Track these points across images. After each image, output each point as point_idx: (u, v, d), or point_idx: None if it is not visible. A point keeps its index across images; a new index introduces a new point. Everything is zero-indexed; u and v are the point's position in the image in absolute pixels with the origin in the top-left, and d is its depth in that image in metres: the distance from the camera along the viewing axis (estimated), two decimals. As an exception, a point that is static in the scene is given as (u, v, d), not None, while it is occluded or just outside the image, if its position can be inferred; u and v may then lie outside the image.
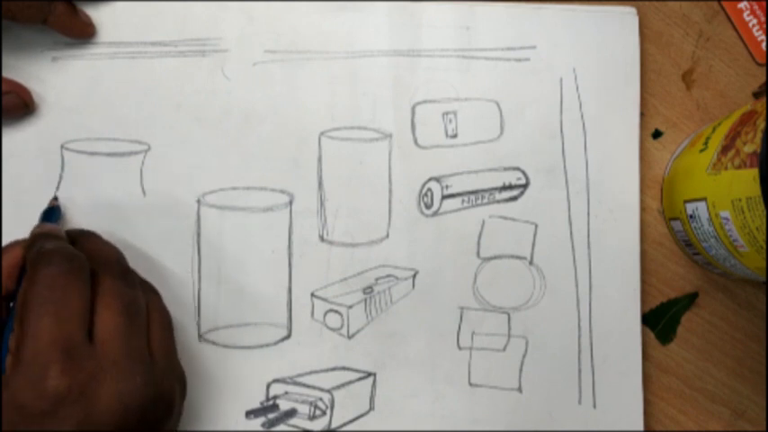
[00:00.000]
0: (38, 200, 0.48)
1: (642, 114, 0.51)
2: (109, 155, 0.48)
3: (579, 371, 0.49)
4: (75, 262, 0.38)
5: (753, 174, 0.38)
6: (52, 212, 0.47)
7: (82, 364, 0.36)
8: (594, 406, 0.48)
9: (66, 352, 0.36)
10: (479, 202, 0.50)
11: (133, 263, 0.44)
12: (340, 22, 0.50)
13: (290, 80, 0.50)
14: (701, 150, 0.45)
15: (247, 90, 0.49)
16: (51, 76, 0.49)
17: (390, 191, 0.50)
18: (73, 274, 0.38)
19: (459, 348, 0.49)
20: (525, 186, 0.50)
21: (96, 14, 0.49)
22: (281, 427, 0.47)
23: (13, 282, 0.40)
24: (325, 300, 0.48)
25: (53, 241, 0.40)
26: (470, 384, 0.49)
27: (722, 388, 0.50)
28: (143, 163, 0.49)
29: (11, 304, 0.41)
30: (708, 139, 0.45)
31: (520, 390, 0.49)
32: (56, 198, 0.48)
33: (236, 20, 0.50)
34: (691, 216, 0.46)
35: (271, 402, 0.47)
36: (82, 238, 0.43)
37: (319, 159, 0.49)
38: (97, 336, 0.37)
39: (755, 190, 0.38)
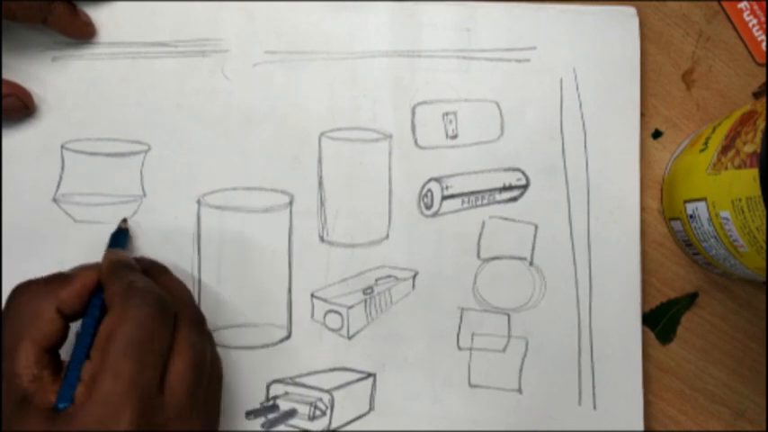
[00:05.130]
0: (38, 200, 0.48)
1: (642, 114, 0.51)
2: (109, 155, 0.48)
3: (579, 371, 0.49)
4: (166, 308, 0.39)
5: (753, 174, 0.38)
6: (121, 235, 0.46)
7: (153, 413, 0.36)
8: (594, 407, 0.48)
9: (141, 399, 0.36)
10: (479, 202, 0.50)
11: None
12: (340, 22, 0.50)
13: (290, 81, 0.50)
14: (701, 150, 0.45)
15: (247, 90, 0.50)
16: (51, 76, 0.49)
17: (390, 191, 0.50)
18: (162, 319, 0.38)
19: (459, 349, 0.49)
20: (525, 187, 0.50)
21: (96, 14, 0.49)
22: (281, 427, 0.47)
23: (82, 305, 0.40)
24: (325, 300, 0.48)
25: (143, 278, 0.40)
26: (470, 385, 0.48)
27: (722, 388, 0.50)
28: (143, 163, 0.49)
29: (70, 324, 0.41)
30: (708, 139, 0.45)
31: (520, 391, 0.49)
32: (125, 220, 0.47)
33: (236, 20, 0.50)
34: (691, 216, 0.46)
35: (271, 403, 0.47)
36: (156, 273, 0.43)
37: (319, 160, 0.49)
38: (168, 384, 0.37)
39: (755, 190, 0.38)
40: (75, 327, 0.41)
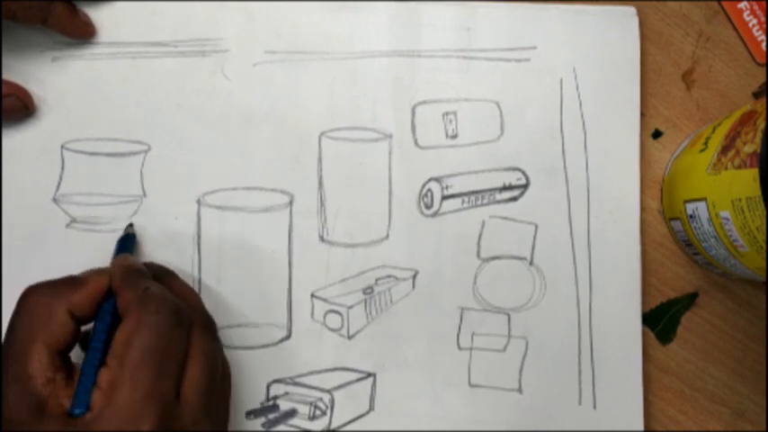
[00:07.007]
0: (38, 200, 0.48)
1: (642, 114, 0.51)
2: (109, 155, 0.48)
3: (579, 371, 0.49)
4: (182, 315, 0.39)
5: (753, 174, 0.38)
6: (128, 240, 0.46)
7: (170, 421, 0.36)
8: (594, 406, 0.48)
9: (160, 408, 0.36)
10: (479, 202, 0.50)
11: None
12: (340, 22, 0.50)
13: (290, 80, 0.50)
14: (701, 150, 0.45)
15: (247, 90, 0.50)
16: (51, 76, 0.49)
17: (390, 191, 0.50)
18: (179, 327, 0.38)
19: (459, 349, 0.49)
20: (525, 187, 0.50)
21: (96, 14, 0.49)
22: (282, 427, 0.47)
23: (93, 310, 0.40)
24: (325, 300, 0.48)
25: (156, 285, 0.40)
26: (470, 385, 0.48)
27: (722, 388, 0.50)
28: (143, 163, 0.49)
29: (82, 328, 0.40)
30: (708, 139, 0.45)
31: (520, 390, 0.49)
32: (131, 225, 0.47)
33: (236, 20, 0.50)
34: (691, 216, 0.46)
35: (271, 403, 0.47)
36: (167, 279, 0.43)
37: (319, 159, 0.49)
38: (184, 392, 0.37)
39: (755, 190, 0.38)
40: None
